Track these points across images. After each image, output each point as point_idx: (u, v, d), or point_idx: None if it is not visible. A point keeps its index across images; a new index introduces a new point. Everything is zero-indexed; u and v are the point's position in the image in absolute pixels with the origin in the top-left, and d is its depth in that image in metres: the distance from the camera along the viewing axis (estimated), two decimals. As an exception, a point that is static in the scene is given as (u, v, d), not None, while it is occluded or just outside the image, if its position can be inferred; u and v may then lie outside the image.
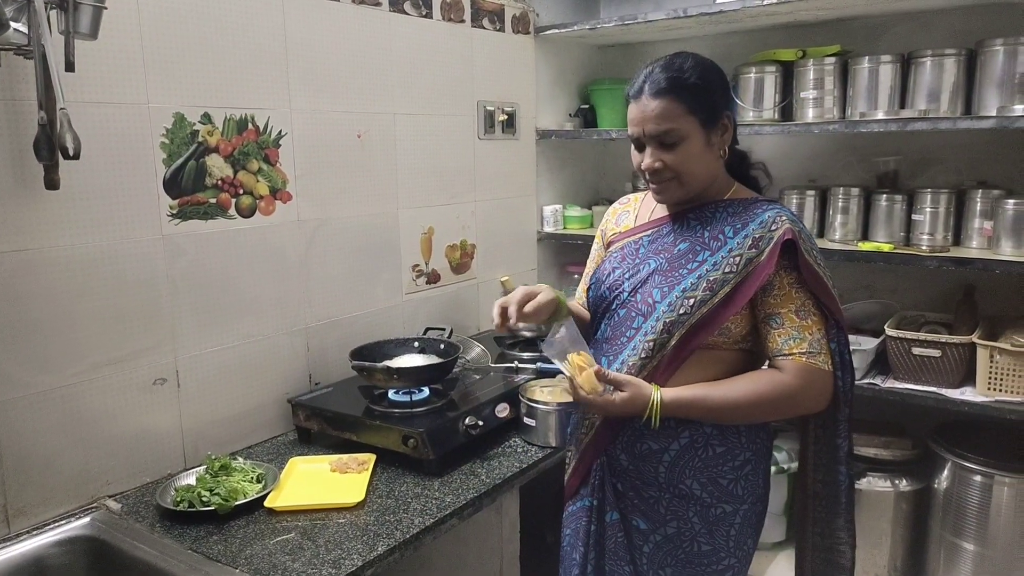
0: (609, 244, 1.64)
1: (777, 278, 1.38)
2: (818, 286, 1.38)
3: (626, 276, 1.49)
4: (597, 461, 1.52)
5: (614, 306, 1.50)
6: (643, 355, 1.42)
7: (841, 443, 1.48)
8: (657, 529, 1.46)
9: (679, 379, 1.40)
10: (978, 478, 2.21)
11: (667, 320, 1.40)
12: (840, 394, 1.41)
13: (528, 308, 1.43)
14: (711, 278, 1.38)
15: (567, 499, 1.60)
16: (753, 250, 1.37)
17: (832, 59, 2.43)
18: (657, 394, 1.37)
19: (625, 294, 1.48)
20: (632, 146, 1.47)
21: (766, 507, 1.53)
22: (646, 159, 1.42)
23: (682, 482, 1.44)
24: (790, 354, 1.36)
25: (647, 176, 1.44)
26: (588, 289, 1.63)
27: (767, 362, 1.43)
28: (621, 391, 1.37)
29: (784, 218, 1.39)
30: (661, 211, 1.55)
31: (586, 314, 1.64)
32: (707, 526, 1.44)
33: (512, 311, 1.44)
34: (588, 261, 1.72)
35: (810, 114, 2.46)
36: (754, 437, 1.46)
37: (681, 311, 1.39)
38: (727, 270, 1.38)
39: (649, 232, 1.54)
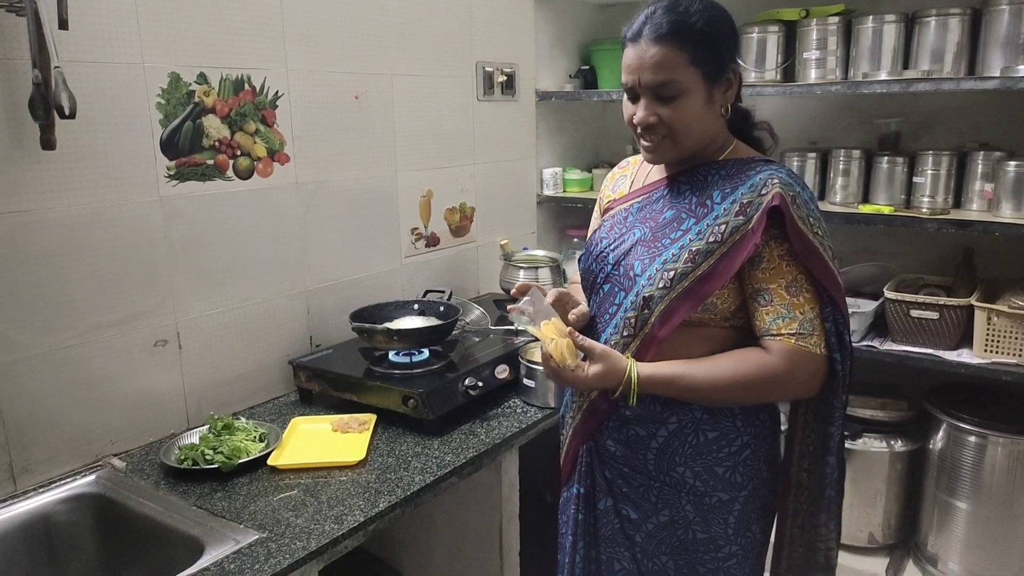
0: (606, 211, 1.51)
1: (767, 249, 1.24)
2: (812, 258, 1.23)
3: (611, 247, 1.38)
4: (584, 447, 1.43)
5: (599, 280, 1.39)
6: (625, 333, 1.31)
7: (833, 431, 1.34)
8: (649, 518, 1.37)
9: (663, 359, 1.28)
10: (972, 439, 2.24)
11: (646, 295, 1.28)
12: (837, 379, 1.28)
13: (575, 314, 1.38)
14: (693, 248, 1.25)
15: (562, 483, 1.52)
16: (740, 217, 1.23)
17: (835, 19, 2.39)
18: (633, 368, 1.25)
19: (609, 267, 1.37)
20: (624, 95, 1.32)
21: (774, 490, 1.42)
22: (639, 111, 1.28)
23: (673, 470, 1.34)
24: (778, 334, 1.23)
25: (638, 131, 1.31)
26: (580, 258, 1.51)
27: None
28: (595, 364, 1.26)
29: (776, 180, 1.23)
30: (657, 175, 1.42)
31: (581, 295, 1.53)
32: (702, 514, 1.34)
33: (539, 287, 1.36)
34: (589, 231, 1.59)
35: (812, 75, 2.44)
36: (752, 420, 1.34)
37: (660, 284, 1.26)
38: (711, 239, 1.24)
39: (640, 198, 1.41)
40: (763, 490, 1.38)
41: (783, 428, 1.44)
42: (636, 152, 3.22)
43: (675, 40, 1.22)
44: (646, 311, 1.28)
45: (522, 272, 2.47)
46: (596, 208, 1.59)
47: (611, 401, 1.34)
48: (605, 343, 1.32)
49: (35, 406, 1.56)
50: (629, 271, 1.32)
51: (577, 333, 1.28)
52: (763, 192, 1.23)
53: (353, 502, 1.49)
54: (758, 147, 1.41)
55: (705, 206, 1.29)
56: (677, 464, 1.33)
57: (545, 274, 2.47)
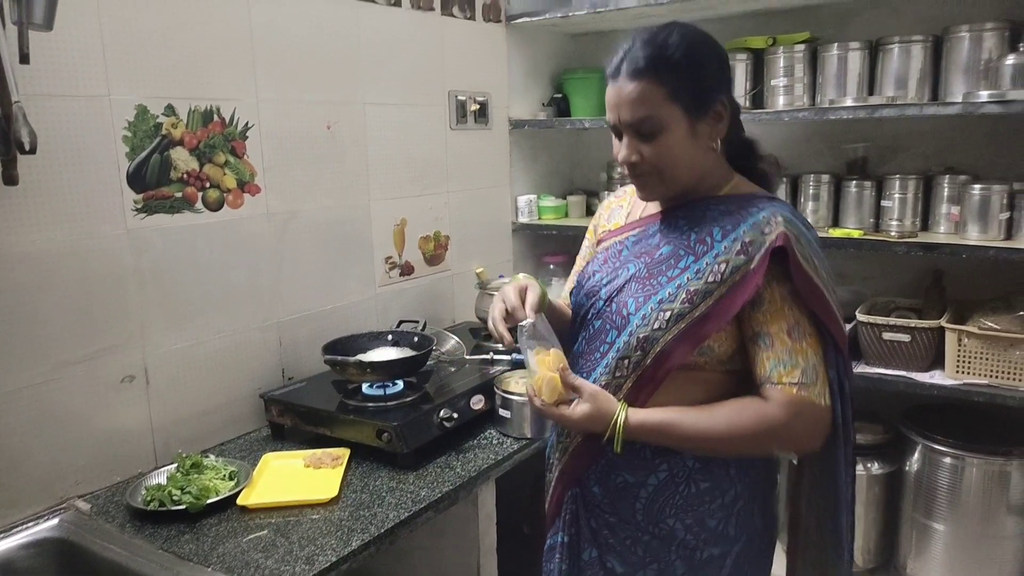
0: (599, 242, 1.45)
1: (768, 291, 1.17)
2: (815, 301, 1.17)
3: (604, 282, 1.32)
4: (569, 492, 1.36)
5: (590, 316, 1.33)
6: (617, 374, 1.24)
7: (843, 487, 1.26)
8: (635, 572, 1.29)
9: (655, 404, 1.22)
10: (948, 460, 2.25)
11: (640, 335, 1.21)
12: (838, 429, 1.21)
13: (530, 301, 1.28)
14: (691, 288, 1.19)
15: (547, 528, 1.44)
16: (741, 256, 1.17)
17: (801, 46, 2.44)
18: (623, 413, 1.19)
19: (601, 303, 1.30)
20: (612, 134, 1.28)
21: (772, 541, 1.36)
22: (622, 150, 1.24)
23: (663, 522, 1.26)
24: (779, 383, 1.16)
25: (625, 170, 1.27)
26: (571, 292, 1.45)
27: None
28: (583, 403, 1.20)
29: (780, 219, 1.18)
30: (653, 207, 1.36)
31: (567, 311, 1.47)
32: (692, 570, 1.27)
33: (523, 311, 1.27)
34: (578, 257, 1.55)
35: (781, 101, 2.48)
36: (746, 468, 1.27)
37: (655, 325, 1.20)
38: (710, 279, 1.18)
39: (635, 232, 1.35)
40: (758, 541, 1.31)
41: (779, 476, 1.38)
42: (610, 180, 3.25)
43: (652, 75, 1.18)
44: (639, 352, 1.22)
45: (497, 300, 2.45)
46: (588, 234, 1.53)
47: (598, 444, 1.26)
48: (594, 382, 1.25)
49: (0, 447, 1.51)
50: (622, 309, 1.25)
51: (569, 371, 1.23)
52: (766, 231, 1.17)
53: (325, 541, 1.45)
54: (763, 181, 1.34)
55: (704, 243, 1.22)
56: (667, 515, 1.26)
57: (521, 302, 2.46)
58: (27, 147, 1.34)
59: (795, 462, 1.35)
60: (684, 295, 1.20)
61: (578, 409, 1.20)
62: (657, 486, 1.26)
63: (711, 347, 1.20)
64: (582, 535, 1.34)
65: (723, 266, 1.18)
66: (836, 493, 1.28)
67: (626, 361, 1.23)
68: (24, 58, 1.32)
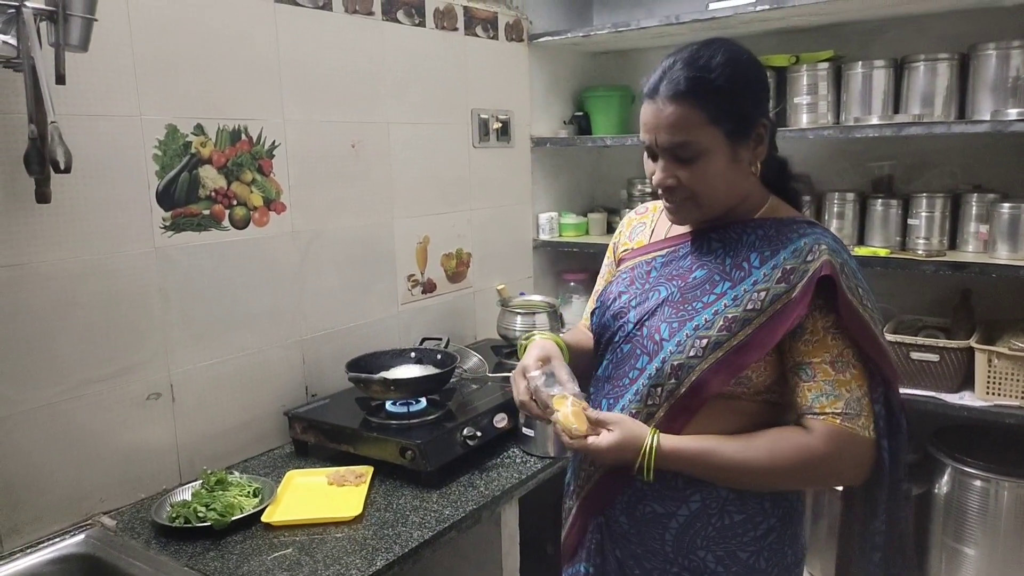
0: (620, 261, 1.40)
1: (810, 320, 1.13)
2: (861, 333, 1.13)
3: (632, 304, 1.27)
4: (594, 521, 1.30)
5: (617, 339, 1.27)
6: (649, 403, 1.19)
7: (877, 526, 1.19)
8: None
9: (689, 433, 1.18)
10: (978, 483, 2.20)
11: (675, 363, 1.17)
12: (883, 469, 1.14)
13: (535, 356, 1.27)
14: (729, 315, 1.15)
15: (564, 559, 1.39)
16: (782, 284, 1.13)
17: (825, 64, 2.43)
18: (653, 439, 1.14)
19: (630, 326, 1.25)
20: (645, 152, 1.23)
21: (800, 574, 1.30)
22: (658, 173, 1.19)
23: (693, 553, 1.21)
24: (821, 413, 1.11)
25: (659, 192, 1.22)
26: (593, 312, 1.39)
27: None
28: (611, 431, 1.15)
29: (824, 247, 1.14)
30: (680, 228, 1.31)
31: (589, 341, 1.41)
32: None
33: (532, 367, 1.25)
34: (599, 277, 1.50)
35: (804, 120, 2.47)
36: (780, 500, 1.22)
37: (691, 353, 1.16)
38: (749, 307, 1.14)
39: (664, 252, 1.30)
40: (788, 574, 1.26)
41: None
42: (631, 197, 3.24)
43: (693, 99, 1.13)
44: (673, 380, 1.17)
45: (519, 317, 2.45)
46: (609, 254, 1.48)
47: (625, 472, 1.20)
48: (623, 409, 1.22)
49: (24, 464, 1.52)
50: (654, 333, 1.20)
51: (588, 407, 1.19)
52: (808, 259, 1.13)
53: (350, 560, 1.45)
54: (794, 200, 1.30)
55: (742, 269, 1.18)
56: (698, 547, 1.20)
57: (543, 319, 2.45)
58: (62, 166, 1.36)
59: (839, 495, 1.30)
60: (721, 322, 1.15)
61: (606, 437, 1.15)
62: (688, 517, 1.21)
63: (749, 376, 1.16)
64: (607, 566, 1.29)
65: (762, 294, 1.14)
66: (870, 534, 1.22)
67: (659, 389, 1.19)
68: (60, 79, 1.34)
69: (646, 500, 1.23)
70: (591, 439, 1.16)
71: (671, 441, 1.15)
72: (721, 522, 1.20)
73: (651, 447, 1.14)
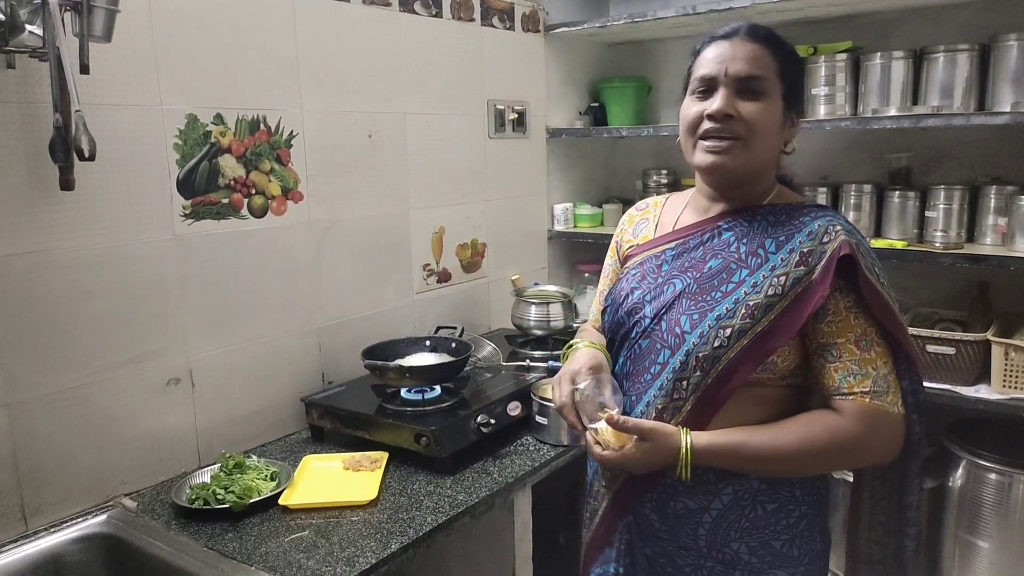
0: (626, 259, 1.40)
1: (832, 301, 1.14)
2: (883, 311, 1.14)
3: (647, 299, 1.26)
4: (623, 522, 1.30)
5: (634, 335, 1.27)
6: (675, 396, 1.19)
7: (911, 501, 1.22)
8: None
9: (716, 424, 1.18)
10: (993, 476, 2.19)
11: (700, 354, 1.17)
12: (912, 443, 1.17)
13: (587, 366, 1.28)
14: (751, 302, 1.15)
15: (587, 561, 1.38)
16: (802, 267, 1.14)
17: (843, 55, 2.41)
18: (687, 439, 1.15)
19: (647, 321, 1.25)
20: (688, 98, 1.22)
21: (826, 564, 1.29)
22: (718, 102, 1.16)
23: (727, 546, 1.21)
24: (850, 393, 1.12)
25: (705, 129, 1.19)
26: (604, 311, 1.40)
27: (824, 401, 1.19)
28: (642, 441, 1.16)
29: (839, 228, 1.16)
30: (687, 219, 1.32)
31: (602, 342, 1.42)
32: None
33: (582, 376, 1.27)
34: (602, 276, 1.51)
35: (822, 111, 2.46)
36: (810, 488, 1.23)
37: (716, 343, 1.16)
38: (771, 293, 1.14)
39: (673, 245, 1.29)
40: (818, 563, 1.27)
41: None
42: (646, 188, 3.23)
43: (771, 46, 1.20)
44: (699, 372, 1.17)
45: (534, 307, 2.46)
46: (611, 253, 1.49)
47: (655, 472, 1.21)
48: (648, 405, 1.22)
49: (47, 446, 1.56)
50: (674, 327, 1.20)
51: (616, 416, 1.18)
52: (825, 240, 1.15)
53: (365, 543, 1.47)
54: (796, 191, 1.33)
55: (757, 255, 1.18)
56: (732, 539, 1.21)
57: (556, 309, 2.46)
58: (86, 154, 1.38)
59: (851, 479, 1.31)
60: (744, 310, 1.15)
61: (639, 448, 1.16)
62: (721, 510, 1.21)
63: (774, 362, 1.16)
64: (637, 565, 1.30)
65: (783, 278, 1.15)
66: (900, 512, 1.24)
67: (684, 382, 1.19)
68: (84, 68, 1.36)
69: (677, 496, 1.24)
70: (625, 451, 1.17)
71: (703, 438, 1.16)
72: (754, 512, 1.20)
73: (687, 447, 1.14)
